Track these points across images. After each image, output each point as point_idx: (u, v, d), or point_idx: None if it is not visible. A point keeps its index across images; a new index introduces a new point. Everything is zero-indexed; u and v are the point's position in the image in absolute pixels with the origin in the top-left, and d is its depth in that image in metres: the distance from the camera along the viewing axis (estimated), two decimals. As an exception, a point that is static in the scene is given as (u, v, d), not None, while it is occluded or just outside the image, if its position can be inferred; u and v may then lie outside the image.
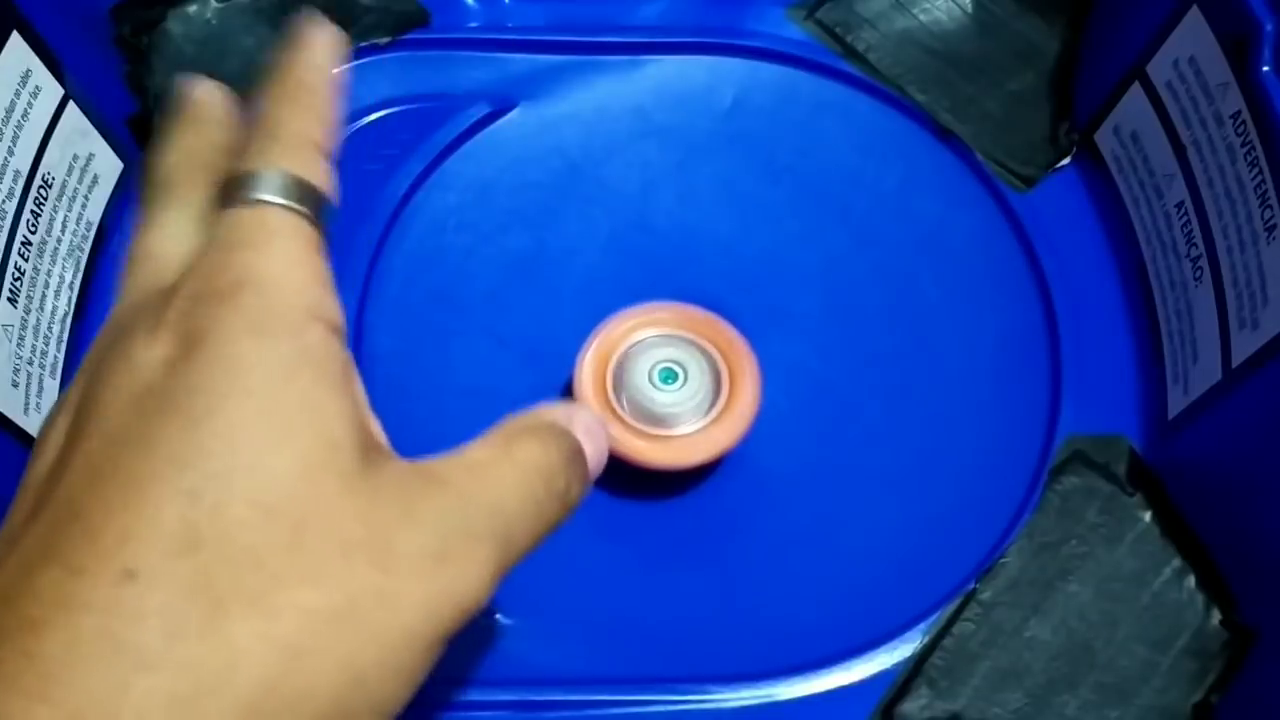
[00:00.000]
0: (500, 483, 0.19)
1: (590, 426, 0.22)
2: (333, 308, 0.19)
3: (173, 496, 0.16)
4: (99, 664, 0.15)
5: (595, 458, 0.22)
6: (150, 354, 0.18)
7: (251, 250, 0.18)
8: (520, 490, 0.19)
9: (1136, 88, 0.34)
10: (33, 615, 0.15)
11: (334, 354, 0.18)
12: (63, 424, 0.18)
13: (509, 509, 0.19)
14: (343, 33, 0.23)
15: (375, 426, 0.20)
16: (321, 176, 0.20)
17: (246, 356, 0.17)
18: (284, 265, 0.18)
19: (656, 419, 0.31)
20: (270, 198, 0.19)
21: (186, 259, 0.20)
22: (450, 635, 0.18)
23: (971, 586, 0.31)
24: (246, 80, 0.38)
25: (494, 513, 0.19)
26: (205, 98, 0.23)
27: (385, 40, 0.38)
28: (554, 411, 0.22)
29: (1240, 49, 0.29)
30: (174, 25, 0.38)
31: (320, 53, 0.22)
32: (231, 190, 0.19)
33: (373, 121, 0.38)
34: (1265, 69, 0.29)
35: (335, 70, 0.22)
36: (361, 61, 0.38)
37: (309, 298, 0.18)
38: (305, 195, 0.19)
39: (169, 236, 0.21)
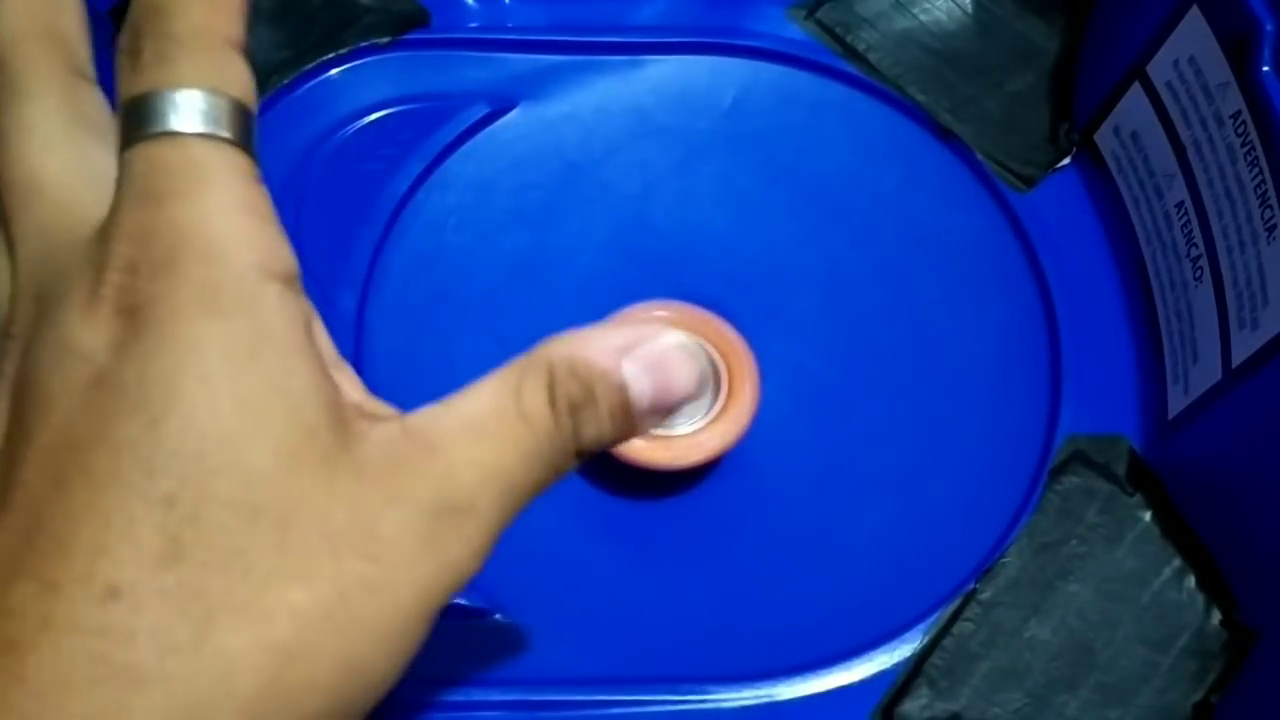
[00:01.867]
0: (504, 448, 0.17)
1: (656, 359, 0.18)
2: (283, 254, 0.17)
3: (146, 506, 0.15)
4: (94, 687, 0.14)
5: (659, 387, 0.18)
6: (94, 337, 0.16)
7: (182, 203, 0.16)
8: (526, 454, 0.17)
9: (1136, 88, 0.34)
10: (13, 636, 0.15)
11: (293, 317, 0.16)
12: (2, 408, 0.17)
13: (513, 477, 0.17)
14: None
15: (350, 383, 0.18)
16: (240, 83, 0.17)
17: (200, 338, 0.15)
18: (223, 217, 0.16)
19: (656, 419, 0.31)
20: (189, 129, 0.16)
21: (89, 194, 0.17)
22: (444, 606, 0.17)
23: (971, 586, 0.31)
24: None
25: (490, 477, 0.17)
26: None
27: (385, 40, 0.38)
28: (590, 344, 0.18)
29: (1240, 49, 0.29)
30: (174, 25, 0.38)
31: None
32: (138, 118, 0.16)
33: (373, 121, 0.38)
34: (1265, 69, 0.29)
35: None
36: (361, 61, 0.38)
37: (257, 251, 0.16)
38: (229, 116, 0.16)
39: (48, 150, 0.18)
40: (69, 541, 0.15)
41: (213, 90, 0.16)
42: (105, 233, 0.16)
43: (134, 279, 0.16)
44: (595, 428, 0.18)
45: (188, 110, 0.16)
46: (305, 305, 0.17)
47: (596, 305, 0.32)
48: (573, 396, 0.18)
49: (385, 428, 0.17)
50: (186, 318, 0.15)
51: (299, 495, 0.16)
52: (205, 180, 0.16)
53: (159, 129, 0.16)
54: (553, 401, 0.18)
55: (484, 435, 0.17)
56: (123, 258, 0.16)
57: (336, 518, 0.16)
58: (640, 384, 0.18)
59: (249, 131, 0.17)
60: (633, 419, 0.18)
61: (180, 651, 0.15)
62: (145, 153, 0.16)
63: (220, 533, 0.15)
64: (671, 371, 0.18)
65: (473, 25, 0.39)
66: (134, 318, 0.16)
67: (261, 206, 0.17)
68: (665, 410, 0.19)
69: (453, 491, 0.17)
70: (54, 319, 0.16)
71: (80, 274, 0.16)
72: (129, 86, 0.16)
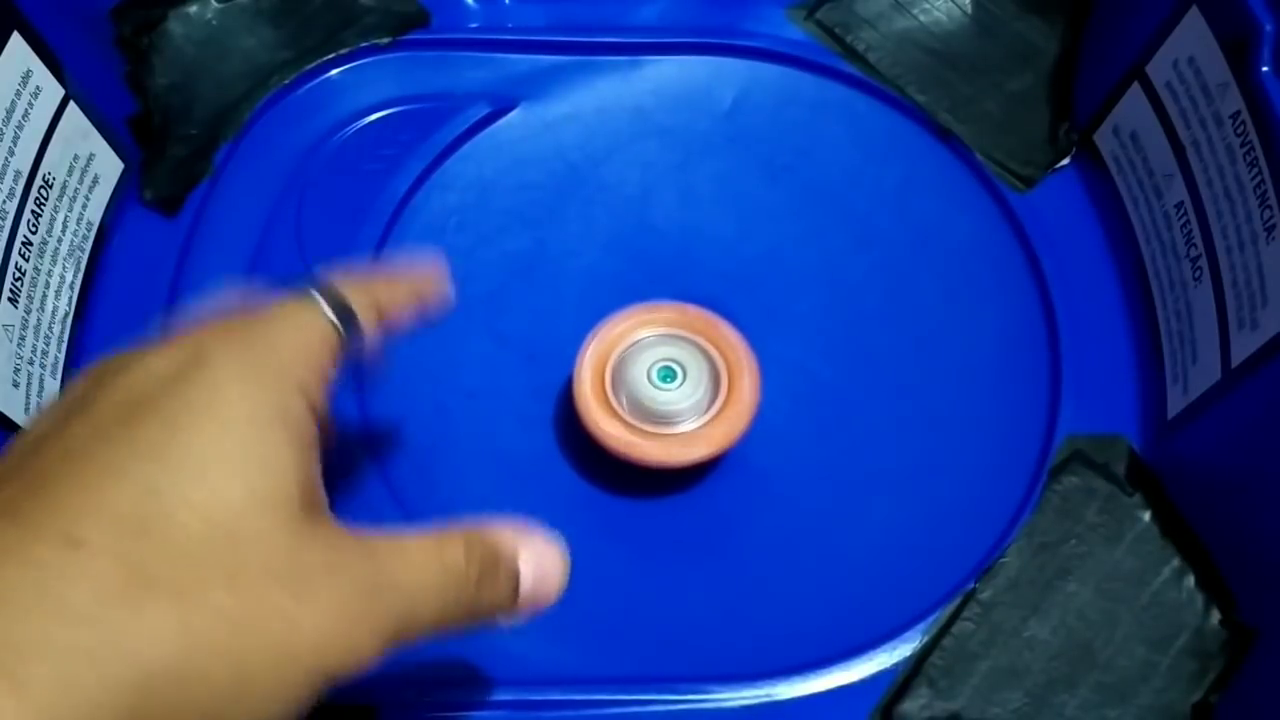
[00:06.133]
0: (420, 576, 0.21)
1: (538, 554, 0.24)
2: (320, 394, 0.22)
3: (133, 487, 0.18)
4: (28, 611, 0.17)
5: (538, 582, 0.24)
6: (158, 361, 0.20)
7: (283, 323, 0.22)
8: (435, 588, 0.22)
9: (1136, 88, 0.34)
10: None
11: (305, 427, 0.21)
12: (58, 412, 0.21)
13: (418, 600, 0.21)
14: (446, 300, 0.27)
15: (323, 496, 0.22)
16: (370, 326, 0.24)
17: (236, 397, 0.20)
18: (298, 346, 0.22)
19: (655, 417, 0.31)
20: (322, 303, 0.23)
21: None
22: (321, 688, 0.19)
23: (971, 586, 0.31)
24: (246, 80, 0.38)
25: (403, 597, 0.21)
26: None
27: (385, 40, 0.38)
28: (503, 533, 0.23)
29: (1240, 49, 0.29)
30: (174, 25, 0.38)
31: (421, 275, 0.27)
32: (311, 287, 0.23)
33: (373, 121, 0.38)
34: (1265, 69, 0.29)
35: (425, 292, 0.27)
36: (361, 61, 0.38)
37: (304, 377, 0.22)
38: (350, 323, 0.23)
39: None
40: (60, 502, 0.18)
41: (353, 307, 0.24)
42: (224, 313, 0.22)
43: (212, 333, 0.21)
44: (493, 590, 0.23)
45: (332, 302, 0.23)
46: (315, 432, 0.22)
47: (596, 305, 0.32)
48: (484, 560, 0.23)
49: (340, 529, 0.21)
50: (232, 378, 0.20)
51: (257, 533, 0.19)
52: (306, 325, 0.23)
53: (305, 291, 0.23)
54: (469, 561, 0.22)
55: (409, 565, 0.21)
56: (217, 322, 0.22)
57: (279, 559, 0.19)
58: (525, 572, 0.24)
59: (353, 338, 0.24)
60: (517, 596, 0.24)
61: (111, 603, 0.17)
62: (288, 297, 0.23)
63: (182, 531, 0.18)
64: (549, 578, 0.24)
65: (473, 25, 0.39)
66: (192, 360, 0.20)
67: (324, 369, 0.22)
68: (541, 602, 0.24)
69: (376, 590, 0.21)
70: (152, 344, 0.21)
71: (189, 324, 0.22)
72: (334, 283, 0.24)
